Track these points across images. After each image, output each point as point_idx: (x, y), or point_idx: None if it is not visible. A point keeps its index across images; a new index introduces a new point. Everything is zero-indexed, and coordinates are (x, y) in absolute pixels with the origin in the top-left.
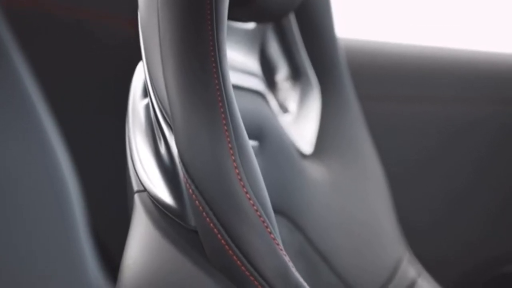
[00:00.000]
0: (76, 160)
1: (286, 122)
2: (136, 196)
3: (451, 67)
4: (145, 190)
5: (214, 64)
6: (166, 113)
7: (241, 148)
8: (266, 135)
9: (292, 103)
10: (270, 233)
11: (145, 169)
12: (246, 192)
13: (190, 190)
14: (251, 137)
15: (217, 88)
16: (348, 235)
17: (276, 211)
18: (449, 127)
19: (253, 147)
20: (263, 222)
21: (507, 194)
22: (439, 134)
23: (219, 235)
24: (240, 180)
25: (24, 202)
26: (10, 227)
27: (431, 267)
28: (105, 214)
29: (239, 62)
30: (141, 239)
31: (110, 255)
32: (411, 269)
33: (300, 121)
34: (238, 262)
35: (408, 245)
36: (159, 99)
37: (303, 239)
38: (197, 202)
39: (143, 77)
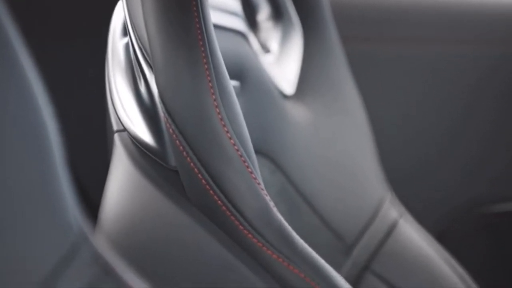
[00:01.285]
0: (54, 98)
1: (268, 62)
2: (116, 136)
3: (436, 8)
4: (125, 129)
5: (194, 2)
6: (146, 52)
7: (222, 88)
8: (247, 75)
9: (273, 43)
10: (251, 172)
11: (125, 109)
12: (227, 132)
13: (171, 130)
14: (232, 77)
15: (198, 27)
16: (329, 176)
17: (257, 151)
18: (436, 70)
19: (234, 87)
20: (244, 161)
21: (489, 137)
22: (425, 77)
23: (199, 175)
24: (221, 119)
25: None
26: None
27: (413, 208)
28: (84, 154)
29: (220, 1)
30: (121, 179)
31: (90, 195)
32: (392, 210)
33: (281, 62)
34: (219, 201)
35: (390, 187)
36: (138, 38)
37: (285, 180)
38: (177, 141)
39: (122, 16)
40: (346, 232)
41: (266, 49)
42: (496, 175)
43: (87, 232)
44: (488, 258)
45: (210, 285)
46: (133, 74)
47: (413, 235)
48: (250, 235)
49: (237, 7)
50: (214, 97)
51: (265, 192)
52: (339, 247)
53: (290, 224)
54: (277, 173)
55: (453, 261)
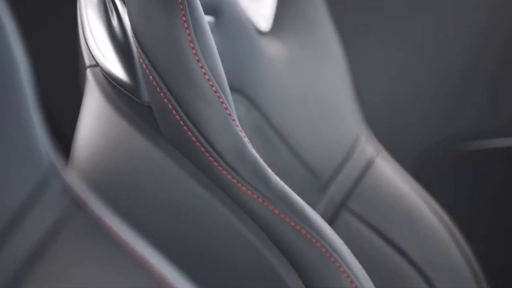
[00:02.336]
0: (26, 35)
1: None
2: (88, 71)
3: None
4: (97, 65)
5: None
6: None
7: (196, 23)
8: (223, 10)
9: None
10: (226, 108)
11: (97, 43)
12: (201, 67)
13: (144, 65)
14: (206, 12)
15: None
16: (305, 113)
17: (232, 88)
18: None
19: (208, 23)
20: (219, 97)
21: (468, 74)
22: (401, 6)
23: (173, 111)
24: (195, 55)
25: None
26: None
27: (390, 145)
28: (57, 90)
29: None
30: (93, 115)
31: (62, 131)
32: (369, 147)
33: None
34: (193, 137)
35: (367, 124)
36: None
37: (260, 117)
38: (150, 77)
39: None
40: (322, 170)
41: None
42: (473, 112)
43: (58, 165)
44: (466, 195)
45: (184, 222)
46: (106, 8)
47: (390, 173)
48: (224, 172)
49: None
50: (188, 32)
51: (239, 128)
52: (315, 184)
53: (265, 161)
54: (252, 110)
55: (430, 199)
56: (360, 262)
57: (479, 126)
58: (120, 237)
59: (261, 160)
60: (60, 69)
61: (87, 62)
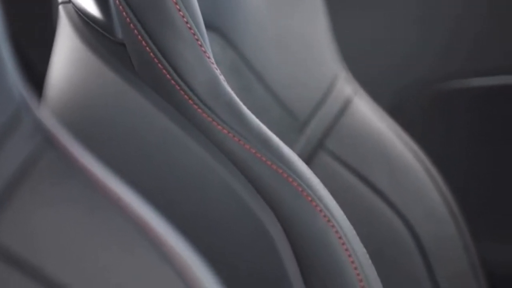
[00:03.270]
0: None
1: None
2: (60, 7)
3: None
4: (69, 1)
5: None
6: None
7: None
8: None
9: None
10: (201, 46)
11: None
12: (176, 3)
13: (117, 1)
14: None
15: None
16: (283, 52)
17: (208, 27)
18: None
19: None
20: (194, 34)
21: (440, 12)
22: None
23: (147, 48)
24: None
25: None
26: None
27: (368, 85)
28: (29, 26)
29: None
30: (66, 52)
31: (34, 69)
32: (347, 87)
33: None
34: (167, 75)
35: (344, 64)
36: None
37: (236, 56)
38: (124, 13)
39: None
40: (299, 109)
41: None
42: (450, 50)
43: (29, 101)
44: (443, 134)
45: (157, 159)
46: None
47: (367, 112)
48: (199, 110)
49: None
50: None
51: (215, 66)
52: (292, 124)
53: (241, 101)
54: (228, 49)
55: (407, 137)
56: (337, 202)
57: (454, 65)
58: (93, 174)
59: (237, 99)
60: (32, 5)
61: None
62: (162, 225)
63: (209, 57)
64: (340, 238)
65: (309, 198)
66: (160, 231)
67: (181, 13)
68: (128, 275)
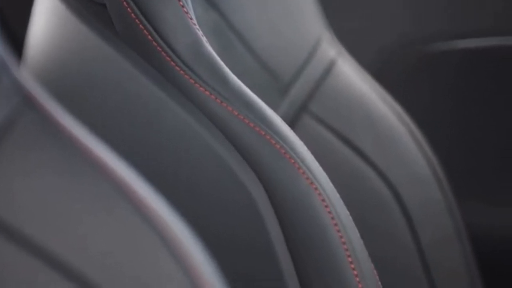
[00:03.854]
0: None
1: None
2: None
3: None
4: None
5: None
6: None
7: None
8: None
9: None
10: (183, 6)
11: None
12: None
13: None
14: None
15: None
16: (266, 14)
17: None
18: None
19: None
20: None
21: None
22: None
23: (128, 9)
24: None
25: None
26: None
27: (351, 47)
28: None
29: None
30: (45, 13)
31: (13, 30)
32: (330, 49)
33: None
34: (149, 36)
35: (328, 25)
36: None
37: (219, 17)
38: None
39: None
40: (282, 72)
41: None
42: (434, 10)
43: (8, 61)
44: (427, 97)
45: (138, 121)
46: None
47: (351, 75)
48: (181, 71)
49: None
50: None
51: (197, 27)
52: (275, 87)
53: (224, 63)
54: (211, 11)
55: (391, 100)
56: (320, 164)
57: (439, 27)
58: (74, 136)
59: (219, 60)
60: None
61: None
62: (143, 187)
63: (191, 19)
64: (323, 200)
65: (292, 161)
66: (141, 193)
67: None
68: (110, 238)
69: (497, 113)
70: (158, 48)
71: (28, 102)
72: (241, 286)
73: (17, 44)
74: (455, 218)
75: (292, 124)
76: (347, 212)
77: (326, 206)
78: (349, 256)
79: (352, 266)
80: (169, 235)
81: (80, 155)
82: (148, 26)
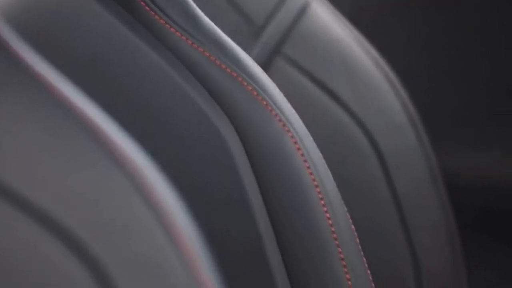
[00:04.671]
0: None
1: None
2: None
3: None
4: None
5: None
6: None
7: None
8: None
9: None
10: None
11: None
12: None
13: None
14: None
15: None
16: None
17: None
18: None
19: None
20: None
21: None
22: None
23: None
24: None
25: None
26: None
27: None
28: None
29: None
30: None
31: None
32: None
33: None
34: None
35: None
36: None
37: None
38: None
39: None
40: (255, 14)
41: None
42: None
43: None
44: (403, 42)
45: (109, 64)
46: None
47: (326, 17)
48: (152, 12)
49: None
50: None
51: None
52: (248, 30)
53: (195, 3)
54: None
55: (367, 45)
56: (294, 107)
57: None
58: (43, 77)
59: (191, 1)
60: None
61: None
62: (115, 129)
63: None
64: (295, 143)
65: (264, 103)
66: (113, 136)
67: None
68: (81, 181)
69: (472, 59)
70: None
71: None
72: (216, 239)
73: None
74: (430, 164)
75: (265, 67)
76: (320, 155)
77: (299, 149)
78: (321, 199)
79: (325, 209)
80: (142, 181)
81: (51, 97)
82: None
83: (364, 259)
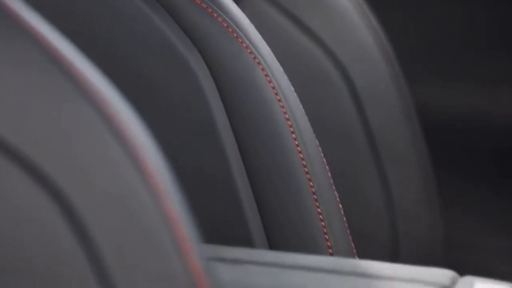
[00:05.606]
0: None
1: None
2: None
3: None
4: None
5: None
6: None
7: None
8: None
9: None
10: None
11: None
12: None
13: None
14: None
15: None
16: None
17: None
18: None
19: None
20: None
21: None
22: None
23: None
24: None
25: None
26: None
27: None
28: None
29: None
30: None
31: None
32: None
33: None
34: None
35: None
36: None
37: None
38: None
39: None
40: None
41: None
42: None
43: None
44: None
45: (85, 3)
46: None
47: None
48: None
49: None
50: None
51: None
52: None
53: None
54: None
55: None
56: (265, 40)
57: None
58: (16, 14)
59: None
60: None
61: None
62: (85, 64)
63: None
64: (266, 76)
65: (235, 35)
66: (83, 71)
67: None
68: (49, 115)
69: None
70: None
71: None
72: (188, 181)
73: None
74: (403, 97)
75: (236, 0)
76: (292, 89)
77: (270, 82)
78: (293, 132)
79: (296, 142)
80: (112, 115)
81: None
82: None
83: (336, 193)
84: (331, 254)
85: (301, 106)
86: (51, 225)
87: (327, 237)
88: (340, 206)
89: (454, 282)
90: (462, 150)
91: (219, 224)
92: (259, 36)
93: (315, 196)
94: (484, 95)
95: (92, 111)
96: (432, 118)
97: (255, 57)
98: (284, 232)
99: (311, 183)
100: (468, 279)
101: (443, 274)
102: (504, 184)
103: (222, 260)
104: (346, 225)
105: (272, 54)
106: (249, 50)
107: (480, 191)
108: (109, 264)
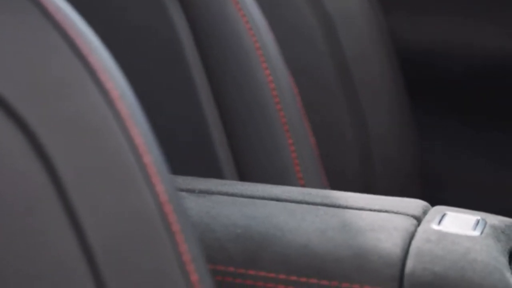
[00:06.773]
0: None
1: None
2: None
3: None
4: None
5: None
6: None
7: None
8: None
9: None
10: None
11: None
12: None
13: None
14: None
15: None
16: None
17: None
18: None
19: None
20: None
21: None
22: None
23: None
24: None
25: None
26: None
27: None
28: None
29: None
30: None
31: None
32: None
33: None
34: None
35: None
36: None
37: None
38: None
39: None
40: None
41: None
42: None
43: None
44: None
45: None
46: None
47: None
48: None
49: None
50: None
51: None
52: None
53: None
54: None
55: None
56: None
57: None
58: None
59: None
60: None
61: None
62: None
63: None
64: (236, 3)
65: None
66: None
67: None
68: (11, 38)
69: None
70: None
71: None
72: (154, 105)
73: None
74: (381, 31)
75: None
76: (264, 20)
77: (240, 10)
78: (264, 62)
79: (267, 72)
80: (79, 44)
81: None
82: None
83: (308, 124)
84: (302, 185)
85: (271, 33)
86: (16, 152)
87: (298, 168)
88: (312, 137)
89: (425, 212)
90: (438, 81)
91: (188, 154)
92: None
93: (286, 127)
94: (462, 29)
95: (56, 36)
96: (407, 49)
97: None
98: (254, 162)
99: (282, 113)
100: (439, 208)
101: (415, 204)
102: (485, 121)
103: (191, 191)
104: (318, 156)
105: None
106: None
107: (456, 125)
108: (73, 198)
